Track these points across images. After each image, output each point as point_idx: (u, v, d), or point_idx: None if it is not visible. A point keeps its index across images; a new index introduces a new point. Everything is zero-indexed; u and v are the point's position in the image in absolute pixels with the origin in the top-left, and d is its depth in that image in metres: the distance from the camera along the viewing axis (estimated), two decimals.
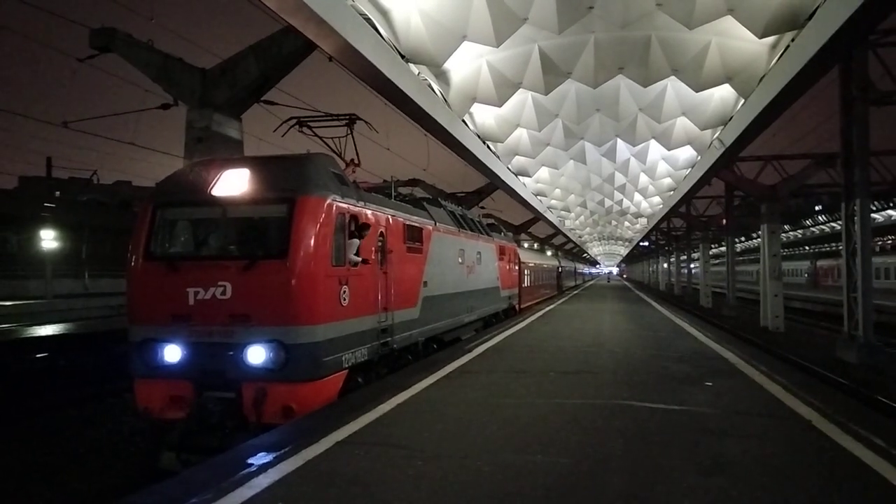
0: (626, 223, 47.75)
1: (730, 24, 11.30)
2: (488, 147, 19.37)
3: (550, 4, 11.11)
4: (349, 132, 9.81)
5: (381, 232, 8.99)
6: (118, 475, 8.29)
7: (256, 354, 6.77)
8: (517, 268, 23.01)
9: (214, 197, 7.37)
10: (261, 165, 7.71)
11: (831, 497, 4.05)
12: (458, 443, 5.27)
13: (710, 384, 7.74)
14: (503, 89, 14.45)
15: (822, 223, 57.91)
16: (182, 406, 6.96)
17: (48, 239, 25.15)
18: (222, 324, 6.84)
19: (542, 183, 28.08)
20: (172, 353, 7.01)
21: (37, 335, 15.66)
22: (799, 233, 65.71)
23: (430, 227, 11.64)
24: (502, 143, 19.41)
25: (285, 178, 7.39)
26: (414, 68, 12.56)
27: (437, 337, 12.18)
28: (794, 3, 10.42)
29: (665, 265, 66.67)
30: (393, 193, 10.98)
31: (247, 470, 4.63)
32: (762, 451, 4.95)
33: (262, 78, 12.83)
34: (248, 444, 5.45)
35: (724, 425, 5.76)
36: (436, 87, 14.11)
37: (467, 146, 16.73)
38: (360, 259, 8.00)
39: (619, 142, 20.88)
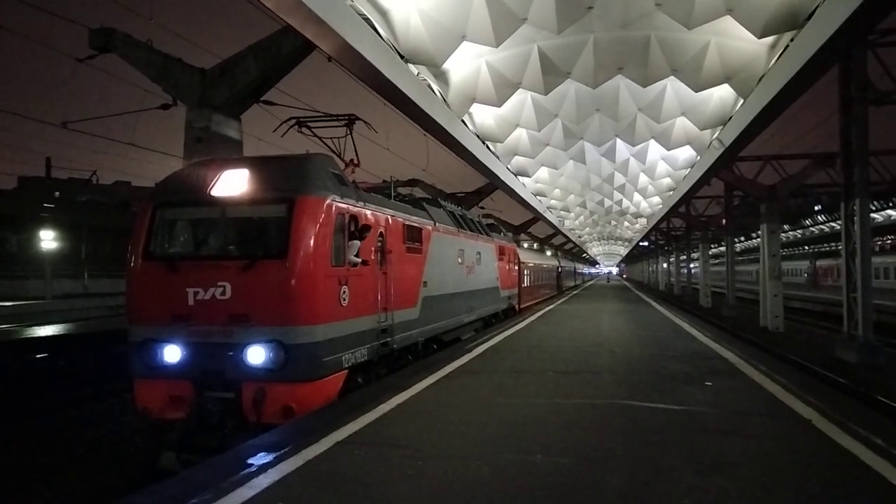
0: (626, 223, 47.74)
1: (729, 23, 11.30)
2: (488, 147, 19.36)
3: (550, 4, 11.11)
4: (348, 132, 9.81)
5: (381, 232, 8.99)
6: (118, 475, 8.29)
7: (256, 354, 6.77)
8: (517, 268, 23.01)
9: (214, 197, 7.37)
10: (260, 165, 7.71)
11: (831, 497, 4.05)
12: (458, 443, 5.27)
13: (709, 384, 7.74)
14: (502, 89, 14.45)
15: (822, 223, 57.91)
16: (182, 406, 6.96)
17: (48, 239, 25.14)
18: (222, 324, 6.84)
19: (541, 183, 28.07)
20: (172, 354, 7.01)
21: (36, 335, 15.65)
22: (798, 233, 65.72)
23: (430, 228, 11.64)
24: (502, 143, 19.40)
25: (285, 179, 7.40)
26: (413, 68, 12.56)
27: (437, 337, 12.18)
28: (794, 2, 10.42)
29: (665, 265, 66.70)
30: (392, 193, 10.98)
31: (247, 470, 4.63)
32: (762, 451, 4.95)
33: (262, 78, 12.83)
34: (247, 444, 5.45)
35: (724, 425, 5.76)
36: (435, 87, 14.10)
37: (467, 146, 16.73)
38: (359, 259, 8.00)
39: (619, 142, 20.87)
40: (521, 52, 13.37)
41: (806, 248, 64.96)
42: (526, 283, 26.36)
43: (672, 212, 36.30)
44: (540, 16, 11.30)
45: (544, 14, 11.26)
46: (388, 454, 4.97)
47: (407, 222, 10.28)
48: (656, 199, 32.36)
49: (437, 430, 5.64)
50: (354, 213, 8.01)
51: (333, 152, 9.71)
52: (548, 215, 37.23)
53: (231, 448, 5.53)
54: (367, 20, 10.60)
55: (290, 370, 6.77)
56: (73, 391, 12.71)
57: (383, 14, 11.15)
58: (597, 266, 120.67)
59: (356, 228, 7.96)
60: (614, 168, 24.56)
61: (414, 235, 10.61)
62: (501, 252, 19.49)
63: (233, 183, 7.42)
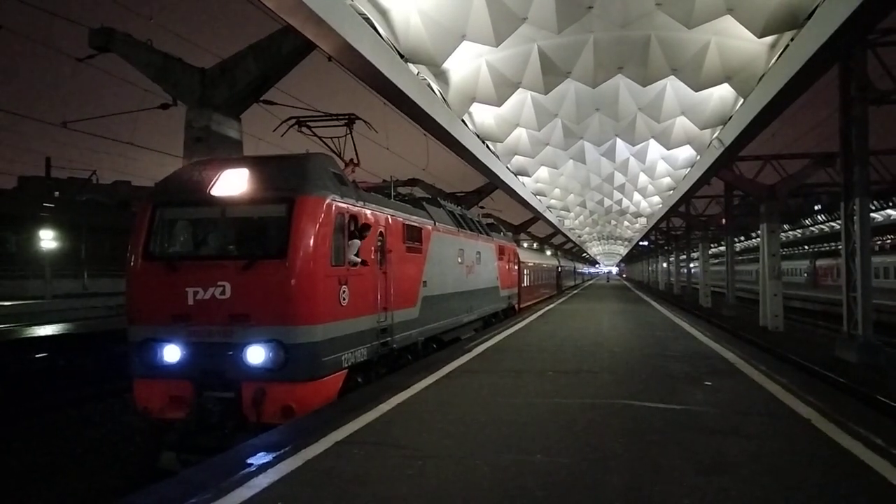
0: (626, 223, 47.75)
1: (729, 23, 11.30)
2: (487, 147, 19.36)
3: (550, 4, 11.10)
4: (348, 132, 9.81)
5: (381, 232, 8.99)
6: (118, 475, 8.29)
7: (256, 354, 6.77)
8: (516, 267, 23.01)
9: (214, 197, 7.37)
10: (260, 165, 7.71)
11: (830, 497, 4.04)
12: (458, 442, 5.27)
13: (709, 383, 7.75)
14: (502, 89, 14.45)
15: (822, 223, 57.87)
16: (181, 406, 6.96)
17: (47, 239, 25.14)
18: (222, 324, 6.84)
19: (541, 182, 28.07)
20: (172, 353, 7.01)
21: (36, 335, 15.64)
22: (798, 232, 65.70)
23: (430, 227, 11.64)
24: (502, 142, 19.40)
25: (284, 178, 7.39)
26: (413, 68, 12.55)
27: (437, 337, 12.18)
28: (794, 2, 10.42)
29: (664, 265, 66.69)
30: (392, 193, 10.98)
31: (246, 470, 4.63)
32: (762, 451, 4.95)
33: (262, 78, 12.81)
34: (247, 444, 5.45)
35: (724, 425, 5.76)
36: (435, 86, 14.10)
37: (467, 146, 16.73)
38: (359, 259, 8.01)
39: (619, 141, 20.87)
40: (521, 52, 13.37)
41: (806, 247, 64.98)
42: (526, 282, 26.36)
43: (672, 211, 36.30)
44: (540, 15, 11.30)
45: (544, 14, 11.26)
46: (388, 454, 4.97)
47: (407, 222, 10.28)
48: (656, 199, 32.37)
49: (436, 430, 5.64)
50: (354, 212, 8.01)
51: (333, 152, 9.72)
52: (547, 215, 37.23)
53: (231, 448, 5.52)
54: (367, 20, 10.60)
55: (289, 370, 6.77)
56: (72, 391, 12.71)
57: (383, 14, 11.15)
58: (596, 266, 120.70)
59: (356, 228, 7.96)
60: (614, 168, 24.56)
61: (414, 235, 10.61)
62: (501, 252, 19.49)
63: (232, 182, 7.41)
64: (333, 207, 7.45)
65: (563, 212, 39.01)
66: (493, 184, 26.22)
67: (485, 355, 10.39)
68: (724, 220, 35.44)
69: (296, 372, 6.82)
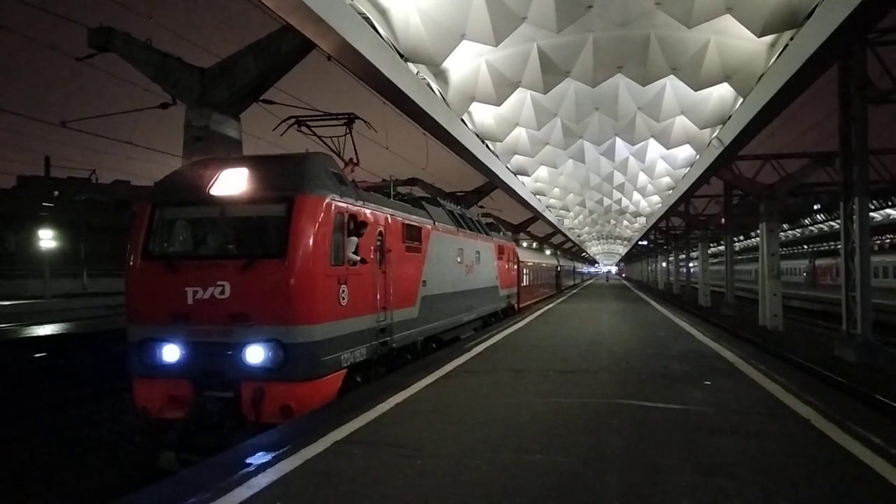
0: (625, 222, 47.72)
1: (728, 22, 11.30)
2: (487, 146, 19.35)
3: (549, 3, 11.10)
4: (348, 131, 9.81)
5: (380, 231, 8.99)
6: (117, 475, 8.28)
7: (255, 354, 6.77)
8: (516, 267, 23.01)
9: (213, 196, 7.37)
10: (259, 165, 7.70)
11: (830, 496, 4.05)
12: (458, 442, 5.27)
13: (708, 383, 7.75)
14: (502, 88, 14.44)
15: (821, 222, 57.91)
16: (181, 406, 6.96)
17: (46, 238, 25.14)
18: (221, 323, 6.84)
19: (540, 182, 28.06)
20: (171, 353, 7.01)
21: (36, 335, 15.64)
22: (797, 232, 65.74)
23: (429, 227, 11.64)
24: (501, 142, 19.39)
25: (284, 178, 7.39)
26: (413, 67, 12.55)
27: (436, 336, 12.18)
28: (793, 1, 10.42)
29: (664, 264, 66.73)
30: (392, 193, 10.98)
31: (245, 470, 4.63)
32: (761, 450, 4.95)
33: (261, 77, 12.81)
34: (246, 443, 5.44)
35: (723, 424, 5.76)
36: (434, 86, 14.09)
37: (466, 145, 16.72)
38: (358, 258, 8.00)
39: (618, 141, 20.87)
40: (520, 51, 13.36)
41: (805, 247, 65.00)
42: (525, 282, 26.37)
43: (671, 211, 36.32)
44: (539, 15, 11.30)
45: (544, 13, 11.26)
46: (387, 453, 4.97)
47: (406, 221, 10.27)
48: (655, 198, 32.37)
49: (436, 430, 5.64)
50: (354, 212, 8.01)
51: (333, 151, 9.72)
52: (547, 214, 37.22)
53: (230, 447, 5.52)
54: (366, 19, 10.59)
55: (289, 369, 6.76)
56: (72, 391, 12.70)
57: (383, 13, 11.14)
58: (596, 265, 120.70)
59: (355, 227, 7.96)
60: (614, 167, 24.55)
61: (413, 234, 10.61)
62: (500, 251, 19.49)
63: (232, 182, 7.41)
64: (333, 207, 7.44)
65: (562, 211, 39.01)
66: (493, 183, 26.21)
67: (484, 355, 10.39)
68: (723, 220, 35.47)
69: (295, 371, 6.82)
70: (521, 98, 16.40)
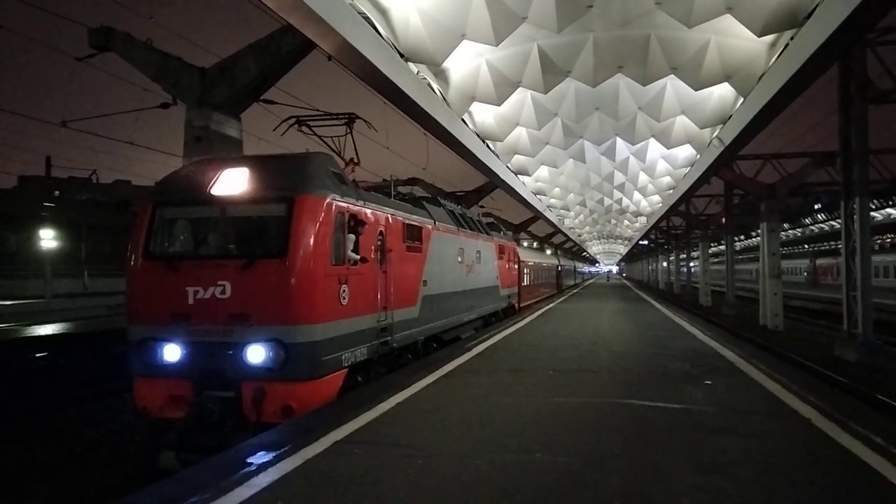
0: (626, 222, 47.69)
1: (729, 22, 11.28)
2: (487, 146, 19.35)
3: (549, 3, 11.09)
4: (348, 131, 9.82)
5: (381, 231, 8.99)
6: (117, 475, 8.29)
7: (256, 354, 6.77)
8: (516, 267, 23.01)
9: (213, 196, 7.37)
10: (260, 164, 7.70)
11: (830, 496, 4.05)
12: (458, 442, 5.27)
13: (709, 383, 7.75)
14: (502, 88, 14.44)
15: (822, 222, 57.87)
16: (181, 405, 6.96)
17: (47, 238, 25.14)
18: (221, 323, 6.84)
19: (541, 182, 28.05)
20: (172, 353, 7.01)
21: (36, 334, 15.66)
22: (798, 231, 65.70)
23: (430, 227, 11.64)
24: (501, 141, 19.39)
25: (284, 177, 7.39)
26: (413, 67, 12.54)
27: (437, 336, 12.18)
28: (793, 1, 10.41)
29: (665, 264, 66.68)
30: (392, 192, 10.98)
31: (246, 469, 4.63)
32: (761, 450, 4.95)
33: (261, 77, 12.80)
34: (247, 443, 5.45)
35: (723, 424, 5.76)
36: (435, 85, 14.09)
37: (466, 145, 16.71)
38: (359, 258, 8.00)
39: (619, 140, 20.85)
40: (520, 51, 13.36)
41: (805, 246, 64.97)
42: (526, 281, 26.37)
43: (672, 210, 36.29)
44: (540, 14, 11.29)
45: (544, 13, 11.25)
46: (388, 453, 4.97)
47: (407, 221, 10.27)
48: (656, 198, 32.35)
49: (436, 429, 5.64)
50: (354, 212, 8.01)
51: (333, 151, 9.72)
52: (547, 214, 37.21)
53: (230, 447, 5.52)
54: (366, 19, 10.59)
55: (289, 369, 6.77)
56: (72, 390, 12.71)
57: (383, 13, 11.14)
58: (596, 265, 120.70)
59: (356, 227, 7.95)
60: (614, 167, 24.54)
61: (414, 234, 10.61)
62: (501, 251, 19.49)
63: (232, 182, 7.41)
64: (333, 207, 7.45)
65: (562, 211, 39.00)
66: (493, 183, 26.21)
67: (485, 354, 10.39)
68: (723, 219, 35.43)
69: (296, 371, 6.82)
70: (521, 98, 16.39)
